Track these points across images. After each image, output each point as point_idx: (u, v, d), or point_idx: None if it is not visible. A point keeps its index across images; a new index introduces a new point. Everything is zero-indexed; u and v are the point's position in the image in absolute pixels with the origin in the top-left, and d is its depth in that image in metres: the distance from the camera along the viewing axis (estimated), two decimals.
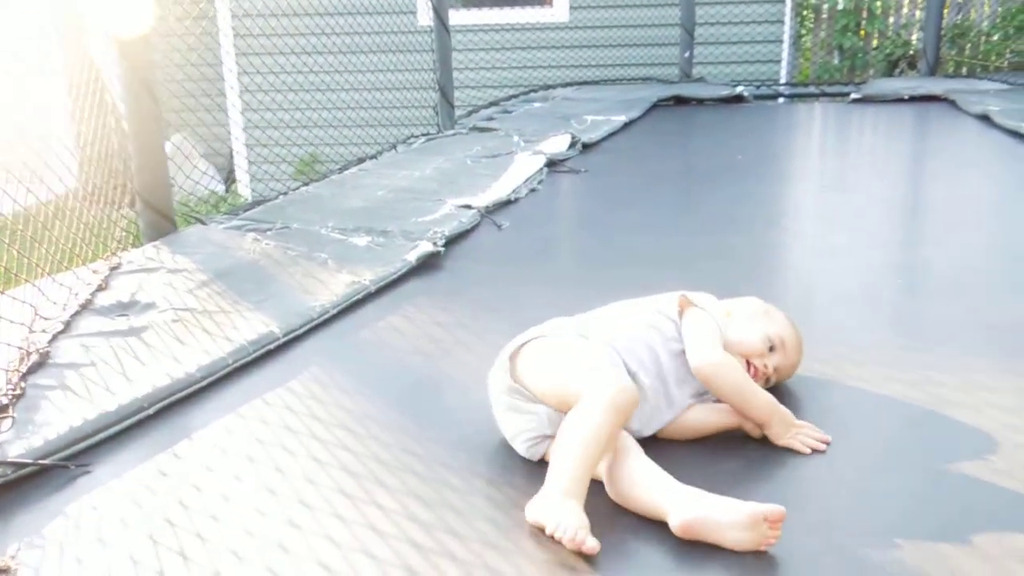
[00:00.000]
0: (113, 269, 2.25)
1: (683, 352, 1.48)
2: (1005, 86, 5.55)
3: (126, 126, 2.47)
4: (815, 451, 1.40)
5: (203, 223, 2.75)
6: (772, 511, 1.14)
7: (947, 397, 1.57)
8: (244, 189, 8.16)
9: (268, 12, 6.60)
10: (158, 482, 1.38)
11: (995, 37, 6.74)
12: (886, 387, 1.63)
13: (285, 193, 3.28)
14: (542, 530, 1.19)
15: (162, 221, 2.56)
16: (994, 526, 1.20)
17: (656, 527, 1.20)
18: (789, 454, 1.41)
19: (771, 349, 1.55)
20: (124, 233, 2.44)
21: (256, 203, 3.09)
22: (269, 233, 2.66)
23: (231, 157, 8.46)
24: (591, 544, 1.14)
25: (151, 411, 1.57)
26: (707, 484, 1.23)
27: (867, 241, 2.72)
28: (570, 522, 1.16)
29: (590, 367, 1.35)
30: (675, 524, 1.17)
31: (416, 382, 1.75)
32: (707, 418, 1.47)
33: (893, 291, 2.31)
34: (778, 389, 1.59)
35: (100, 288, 2.11)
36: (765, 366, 1.54)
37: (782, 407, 1.44)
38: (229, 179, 8.65)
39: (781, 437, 1.42)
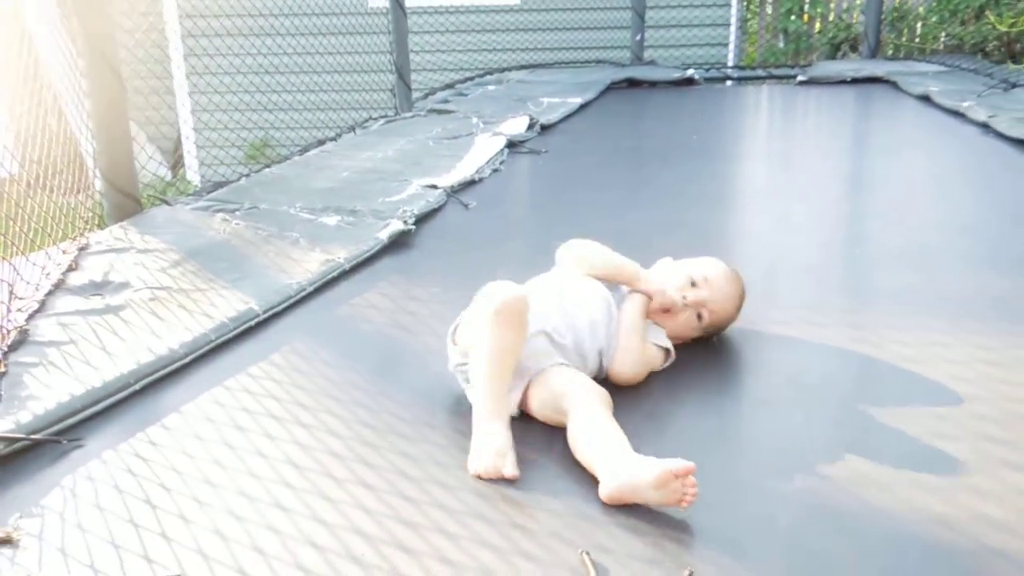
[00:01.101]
0: (82, 250, 2.23)
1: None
2: (943, 68, 5.76)
3: (88, 105, 2.43)
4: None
5: (169, 204, 2.72)
6: (678, 467, 1.16)
7: (903, 353, 1.68)
8: (192, 174, 8.02)
9: None
10: (150, 452, 1.40)
11: (932, 20, 6.97)
12: (846, 345, 1.73)
13: (248, 175, 3.26)
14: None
15: (127, 202, 2.53)
16: (924, 462, 1.30)
17: None
18: (768, 410, 1.50)
19: (693, 285, 1.65)
20: (90, 214, 2.41)
21: (220, 184, 3.07)
22: (238, 213, 2.65)
23: (178, 141, 8.29)
24: (509, 472, 1.24)
25: (137, 386, 1.58)
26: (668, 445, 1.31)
27: (820, 216, 2.83)
28: (485, 452, 1.28)
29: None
30: (603, 495, 1.22)
31: (397, 354, 1.79)
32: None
33: (848, 261, 2.42)
34: (743, 350, 1.67)
35: (71, 268, 2.09)
36: (684, 297, 1.64)
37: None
38: (176, 164, 8.48)
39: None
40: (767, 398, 1.55)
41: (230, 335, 1.82)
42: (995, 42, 6.35)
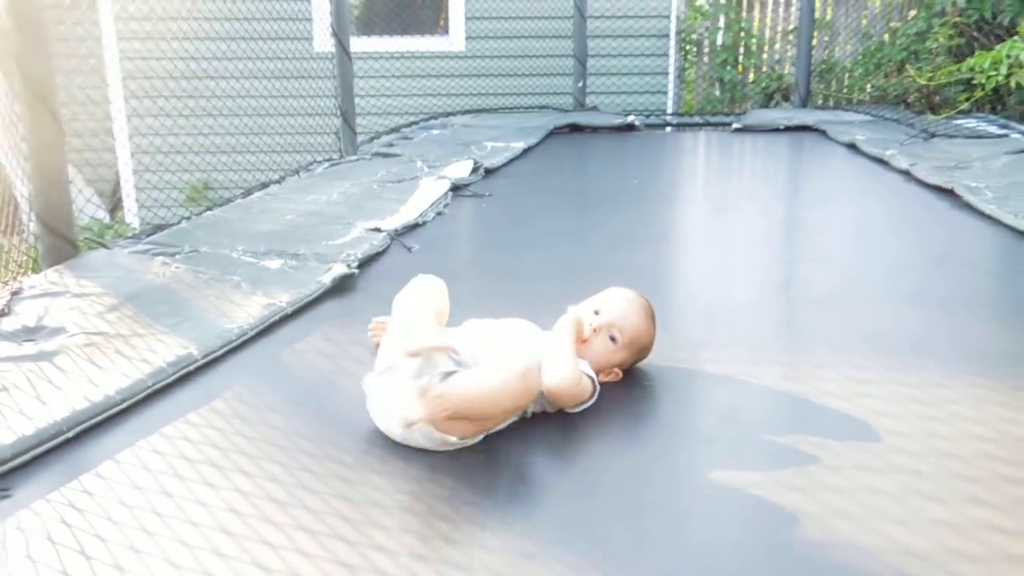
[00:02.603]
0: (14, 294, 2.18)
1: None
2: (868, 117, 6.04)
3: (24, 148, 2.39)
4: None
5: (107, 247, 2.68)
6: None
7: (831, 390, 1.75)
8: (131, 217, 7.87)
9: (158, 35, 6.46)
10: (84, 501, 1.37)
11: (857, 72, 7.32)
12: (779, 384, 1.80)
13: (189, 217, 3.23)
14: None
15: (64, 245, 2.49)
16: (852, 495, 1.36)
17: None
18: (704, 447, 1.54)
19: (596, 313, 1.78)
20: (24, 257, 2.36)
21: (160, 227, 3.04)
22: (178, 257, 2.62)
23: (117, 183, 8.15)
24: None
25: (71, 434, 1.54)
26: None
27: (754, 258, 2.93)
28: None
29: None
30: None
31: (342, 398, 1.78)
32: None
33: (781, 302, 2.51)
34: (678, 389, 1.73)
35: (3, 313, 2.04)
36: (590, 324, 1.76)
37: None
38: (115, 206, 8.32)
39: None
40: (704, 435, 1.60)
41: (169, 380, 1.79)
42: (916, 94, 6.69)
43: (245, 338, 2.07)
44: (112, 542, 1.26)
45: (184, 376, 1.84)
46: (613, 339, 1.75)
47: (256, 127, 6.82)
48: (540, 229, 3.37)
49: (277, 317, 2.21)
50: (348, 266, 2.62)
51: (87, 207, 6.62)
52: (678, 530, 1.30)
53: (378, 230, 3.14)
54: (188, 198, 7.39)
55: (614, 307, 1.79)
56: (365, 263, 2.76)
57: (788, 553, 1.23)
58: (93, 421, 1.60)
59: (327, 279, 2.49)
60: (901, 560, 1.20)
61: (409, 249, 3.01)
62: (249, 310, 2.21)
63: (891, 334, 2.12)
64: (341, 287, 2.52)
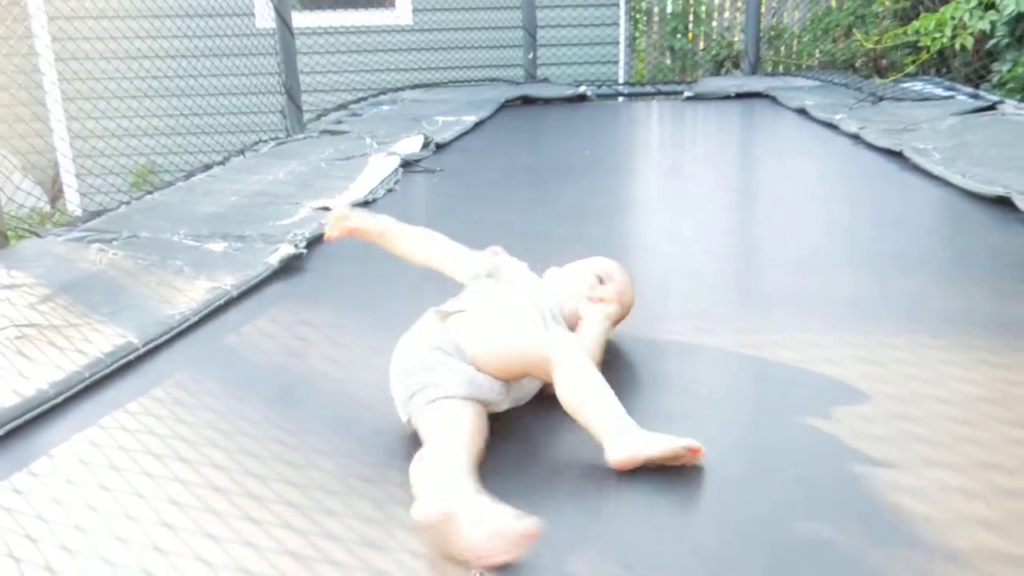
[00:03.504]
0: None
1: None
2: (817, 83, 6.07)
3: None
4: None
5: (39, 236, 2.56)
6: (690, 443, 1.30)
7: (788, 356, 1.74)
8: (73, 206, 7.62)
9: (89, 15, 6.20)
10: (14, 501, 1.30)
11: (806, 38, 7.35)
12: (736, 350, 1.78)
13: (128, 202, 3.11)
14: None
15: None
16: (807, 461, 1.35)
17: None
18: (666, 423, 1.51)
19: (601, 281, 1.72)
20: None
21: (96, 213, 2.92)
22: (115, 243, 2.52)
23: (56, 171, 7.87)
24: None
25: (0, 432, 1.46)
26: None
27: (710, 224, 2.92)
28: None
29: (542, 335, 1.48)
30: (611, 462, 1.29)
31: (288, 382, 1.73)
32: None
33: (736, 268, 2.49)
34: (638, 362, 1.70)
35: None
36: (603, 295, 1.69)
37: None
38: (56, 195, 8.05)
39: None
40: (665, 411, 1.56)
41: (106, 371, 1.72)
42: (863, 58, 6.75)
43: (188, 324, 1.99)
44: (44, 541, 1.19)
45: (124, 366, 1.77)
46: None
47: (199, 107, 6.63)
48: (491, 204, 3.32)
49: (222, 301, 2.14)
50: (295, 246, 2.55)
51: (27, 199, 6.38)
52: (637, 509, 1.27)
53: (326, 209, 3.05)
54: (132, 184, 7.18)
55: (622, 283, 1.75)
56: (314, 242, 2.68)
57: (755, 526, 1.22)
58: (26, 417, 1.52)
59: (274, 260, 2.42)
60: (857, 527, 1.20)
61: None
62: (192, 295, 2.13)
63: (844, 296, 2.12)
64: (289, 267, 2.45)
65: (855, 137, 4.11)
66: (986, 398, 1.55)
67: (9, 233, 2.49)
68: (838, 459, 1.36)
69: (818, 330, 1.87)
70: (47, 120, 7.41)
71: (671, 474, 1.32)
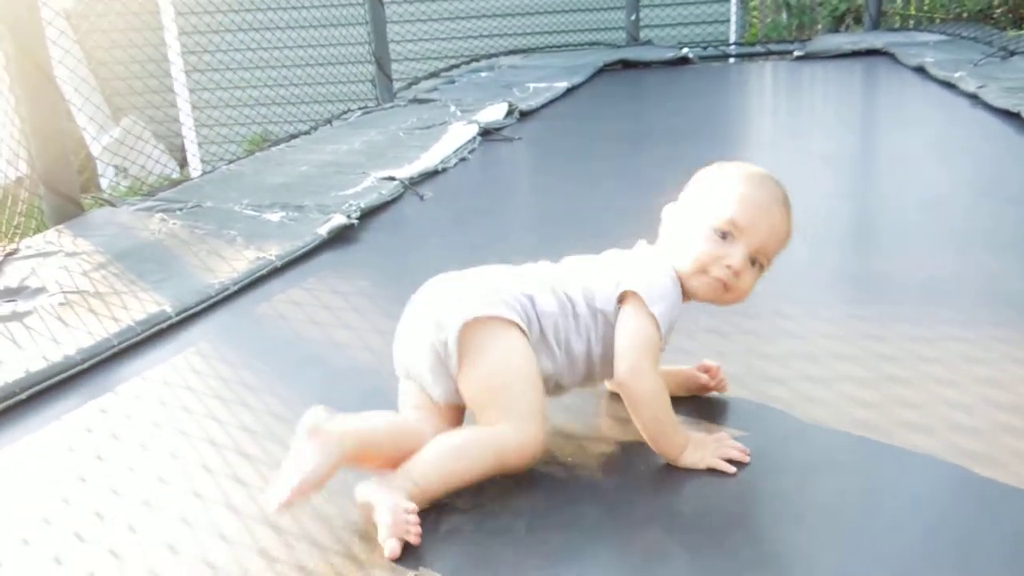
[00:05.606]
0: (8, 255, 2.21)
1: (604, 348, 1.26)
2: (944, 37, 5.56)
3: (23, 110, 2.40)
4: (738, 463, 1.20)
5: (113, 205, 2.70)
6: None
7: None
8: (195, 172, 8.05)
9: None
10: (40, 463, 1.37)
11: None
12: (857, 339, 1.65)
13: (205, 173, 3.23)
14: (367, 508, 1.10)
15: (67, 204, 2.51)
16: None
17: None
18: None
19: (724, 237, 1.23)
20: (22, 218, 2.39)
21: (175, 183, 3.04)
22: (179, 213, 2.62)
23: (181, 140, 8.32)
24: (392, 548, 1.04)
25: (23, 396, 1.54)
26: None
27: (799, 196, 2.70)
28: (392, 519, 1.06)
29: (525, 410, 1.18)
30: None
31: (303, 351, 1.74)
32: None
33: (826, 247, 2.27)
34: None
35: None
36: (729, 267, 1.22)
37: (695, 434, 1.25)
38: (183, 161, 8.52)
39: (700, 463, 1.21)
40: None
41: (136, 339, 1.78)
42: (1002, 7, 6.11)
43: (227, 293, 2.04)
44: (30, 504, 1.25)
45: (156, 334, 1.83)
46: (756, 263, 1.25)
47: (308, 78, 6.81)
48: (566, 175, 3.21)
49: (265, 271, 2.18)
50: (348, 217, 2.56)
51: (152, 163, 6.80)
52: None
53: (391, 178, 3.06)
54: (246, 152, 7.49)
55: (753, 218, 1.22)
56: (372, 213, 2.69)
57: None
58: (49, 383, 1.59)
59: (323, 230, 2.44)
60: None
61: (421, 197, 2.92)
62: (236, 264, 2.18)
63: (920, 275, 1.92)
64: (341, 238, 2.47)
65: (973, 97, 3.73)
66: None
67: (87, 202, 2.62)
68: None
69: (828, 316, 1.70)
70: (173, 90, 7.84)
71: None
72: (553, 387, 1.28)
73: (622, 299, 1.24)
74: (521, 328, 1.21)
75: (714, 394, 1.42)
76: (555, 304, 1.25)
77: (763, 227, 1.22)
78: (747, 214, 1.22)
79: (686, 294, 1.27)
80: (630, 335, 1.22)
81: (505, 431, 1.16)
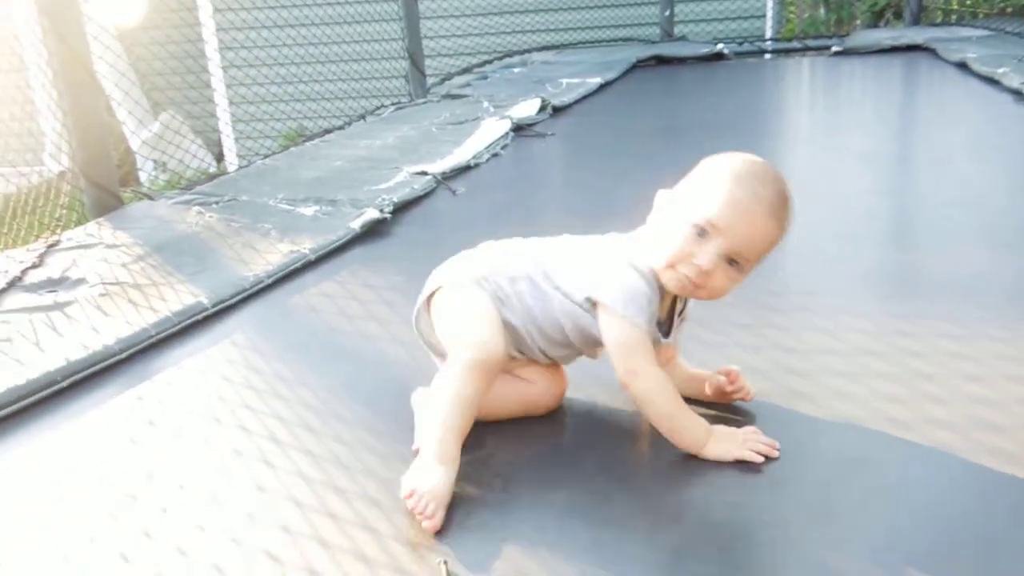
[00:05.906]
0: (51, 247, 2.26)
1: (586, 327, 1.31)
2: (987, 32, 5.44)
3: (64, 104, 2.46)
4: (767, 457, 1.21)
5: (151, 198, 2.75)
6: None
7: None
8: (232, 167, 8.17)
9: None
10: (79, 447, 1.41)
11: None
12: (888, 337, 1.63)
13: (241, 167, 3.28)
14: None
15: (106, 197, 2.56)
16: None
17: None
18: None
19: (701, 234, 1.20)
20: (64, 211, 2.45)
21: (211, 177, 3.09)
22: (215, 206, 2.66)
23: (219, 134, 8.45)
24: (430, 523, 1.09)
25: (64, 384, 1.58)
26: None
27: (832, 193, 2.67)
28: (424, 491, 1.11)
29: (465, 324, 1.29)
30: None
31: (332, 343, 1.76)
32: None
33: (854, 243, 2.26)
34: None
35: (33, 266, 2.12)
36: (697, 266, 1.19)
37: (721, 427, 1.25)
38: (218, 157, 8.65)
39: (726, 455, 1.21)
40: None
41: (173, 330, 1.81)
42: None
43: (261, 286, 2.07)
44: (68, 490, 1.28)
45: (191, 325, 1.86)
46: (733, 263, 1.21)
47: (343, 73, 6.88)
48: (597, 171, 3.21)
49: (299, 264, 2.20)
50: (381, 211, 2.58)
51: (190, 157, 6.93)
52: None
53: (424, 173, 3.08)
54: (281, 146, 7.58)
55: (731, 218, 1.18)
56: (405, 207, 2.71)
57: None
58: (88, 371, 1.63)
59: (356, 224, 2.46)
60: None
61: (453, 192, 2.94)
62: (270, 257, 2.21)
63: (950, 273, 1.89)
64: (374, 232, 2.49)
65: (1017, 93, 3.65)
66: None
67: (127, 196, 2.68)
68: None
69: (858, 313, 1.68)
70: (211, 85, 7.96)
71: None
72: (532, 349, 1.34)
73: (595, 304, 1.28)
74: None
75: None
76: (526, 286, 1.33)
77: (741, 230, 1.19)
78: (726, 215, 1.19)
79: (663, 285, 1.26)
80: (612, 344, 1.25)
81: (452, 362, 1.25)
